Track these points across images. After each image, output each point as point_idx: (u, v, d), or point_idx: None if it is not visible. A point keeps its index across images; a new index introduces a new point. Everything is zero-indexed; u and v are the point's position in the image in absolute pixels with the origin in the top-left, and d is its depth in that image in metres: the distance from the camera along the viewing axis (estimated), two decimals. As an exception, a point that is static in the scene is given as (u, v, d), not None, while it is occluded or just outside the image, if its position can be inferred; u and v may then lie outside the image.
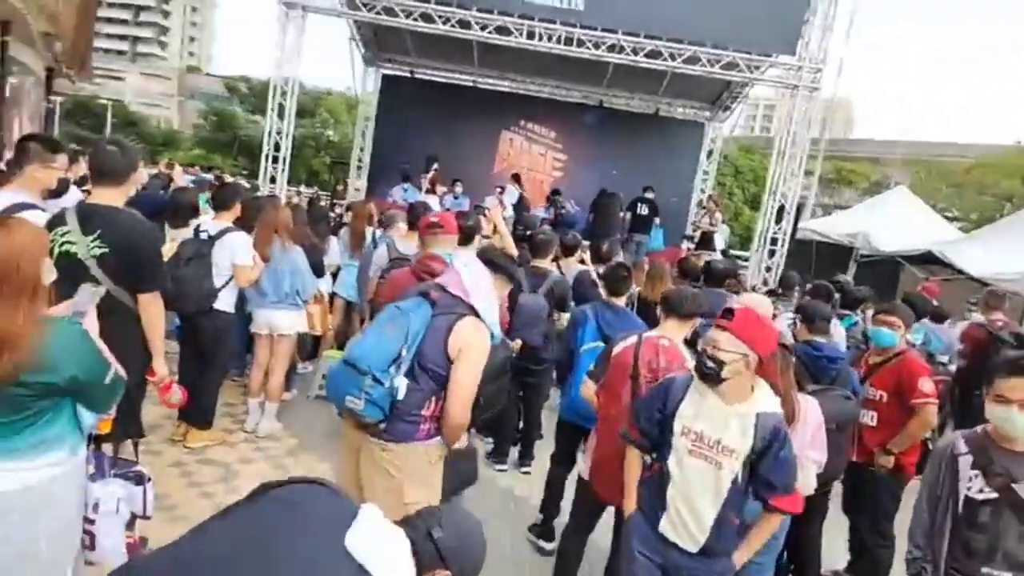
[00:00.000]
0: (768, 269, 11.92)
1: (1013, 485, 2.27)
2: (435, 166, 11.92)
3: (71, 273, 2.76)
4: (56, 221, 2.91)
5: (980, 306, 6.60)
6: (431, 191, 11.15)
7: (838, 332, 5.45)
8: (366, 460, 2.60)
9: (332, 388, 2.55)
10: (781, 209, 11.95)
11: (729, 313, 2.42)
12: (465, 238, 3.91)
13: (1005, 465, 2.29)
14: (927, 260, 10.54)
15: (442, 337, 2.53)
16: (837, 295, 6.34)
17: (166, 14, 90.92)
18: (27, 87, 16.51)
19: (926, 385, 3.78)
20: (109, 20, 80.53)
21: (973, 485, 2.33)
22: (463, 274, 2.65)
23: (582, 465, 3.57)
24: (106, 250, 2.86)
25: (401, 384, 2.44)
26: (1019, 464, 2.29)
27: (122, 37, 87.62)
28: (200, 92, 61.87)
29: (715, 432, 2.42)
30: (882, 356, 4.01)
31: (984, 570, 2.31)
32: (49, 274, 1.91)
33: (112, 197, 2.98)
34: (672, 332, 3.21)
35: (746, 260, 13.87)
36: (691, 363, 3.09)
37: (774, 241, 12.06)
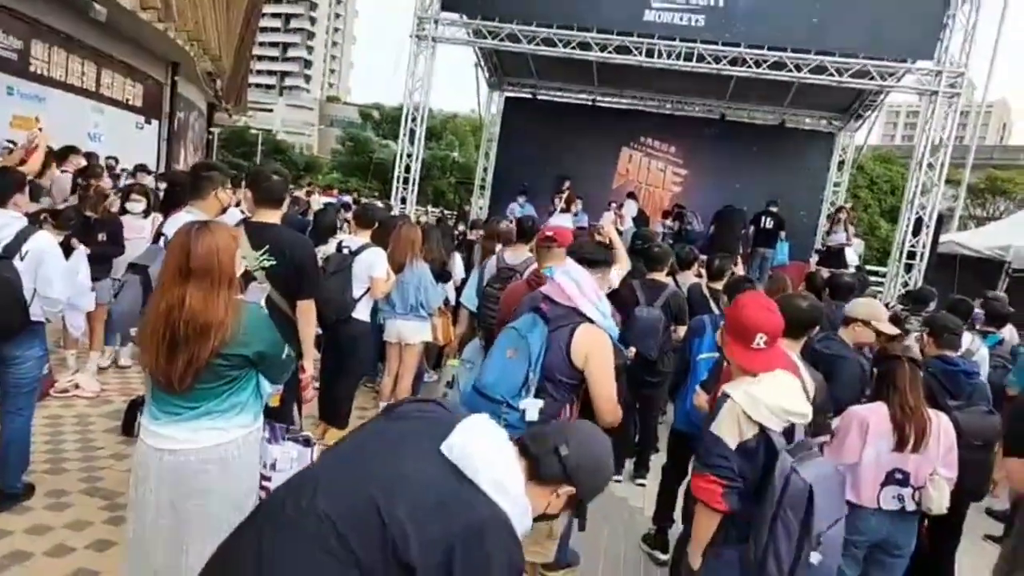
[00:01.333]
0: (905, 285, 11.19)
1: None
2: (567, 184, 12.16)
3: (243, 282, 3.23)
4: None
5: None
6: (566, 209, 11.39)
7: (980, 351, 5.15)
8: None
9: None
10: (919, 222, 11.21)
11: None
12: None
13: None
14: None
15: (564, 349, 2.66)
16: (980, 311, 5.97)
17: (310, 49, 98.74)
18: (192, 120, 18.50)
19: None
20: (260, 58, 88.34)
21: None
22: (563, 282, 2.76)
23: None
24: (274, 262, 3.30)
25: (532, 406, 2.60)
26: None
27: (271, 72, 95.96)
28: (338, 120, 66.33)
29: None
30: None
31: None
32: (240, 267, 2.33)
33: (273, 217, 3.43)
34: (785, 343, 3.19)
35: (883, 275, 13.07)
36: (804, 372, 3.08)
37: (912, 255, 11.33)
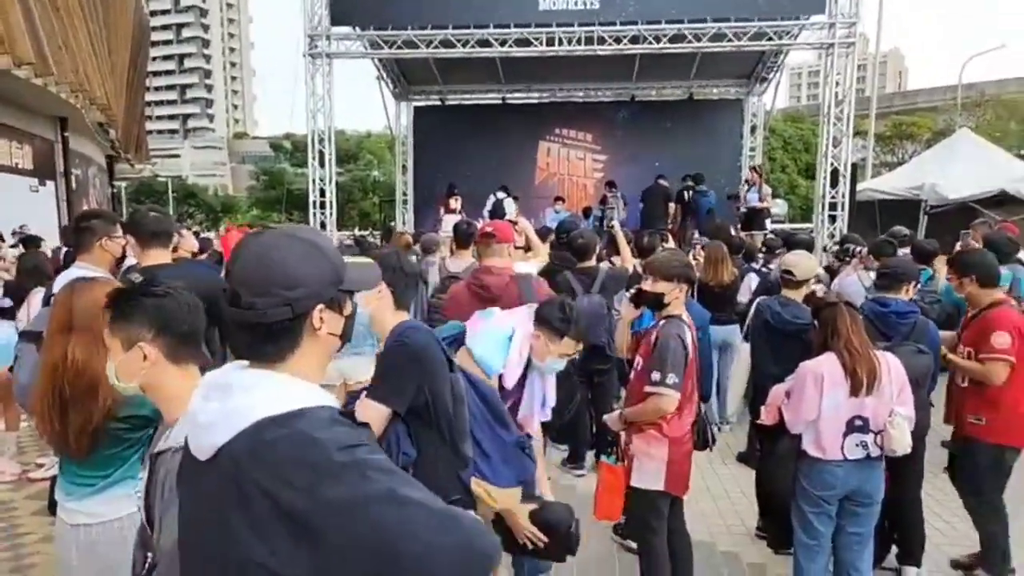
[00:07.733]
0: (832, 236, 11.48)
1: None
2: (455, 188, 11.99)
3: None
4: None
5: None
6: (452, 210, 11.26)
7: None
8: None
9: None
10: (835, 173, 11.50)
11: None
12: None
13: None
14: (1002, 202, 9.96)
15: None
16: (905, 250, 6.09)
17: (209, 88, 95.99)
18: (92, 176, 17.55)
19: (999, 339, 3.34)
20: (158, 103, 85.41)
21: None
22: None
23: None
24: None
25: None
26: None
27: (172, 117, 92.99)
28: (249, 156, 64.80)
29: None
30: (975, 309, 3.62)
31: None
32: None
33: (164, 257, 3.14)
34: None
35: (810, 231, 13.38)
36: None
37: (833, 207, 11.61)
